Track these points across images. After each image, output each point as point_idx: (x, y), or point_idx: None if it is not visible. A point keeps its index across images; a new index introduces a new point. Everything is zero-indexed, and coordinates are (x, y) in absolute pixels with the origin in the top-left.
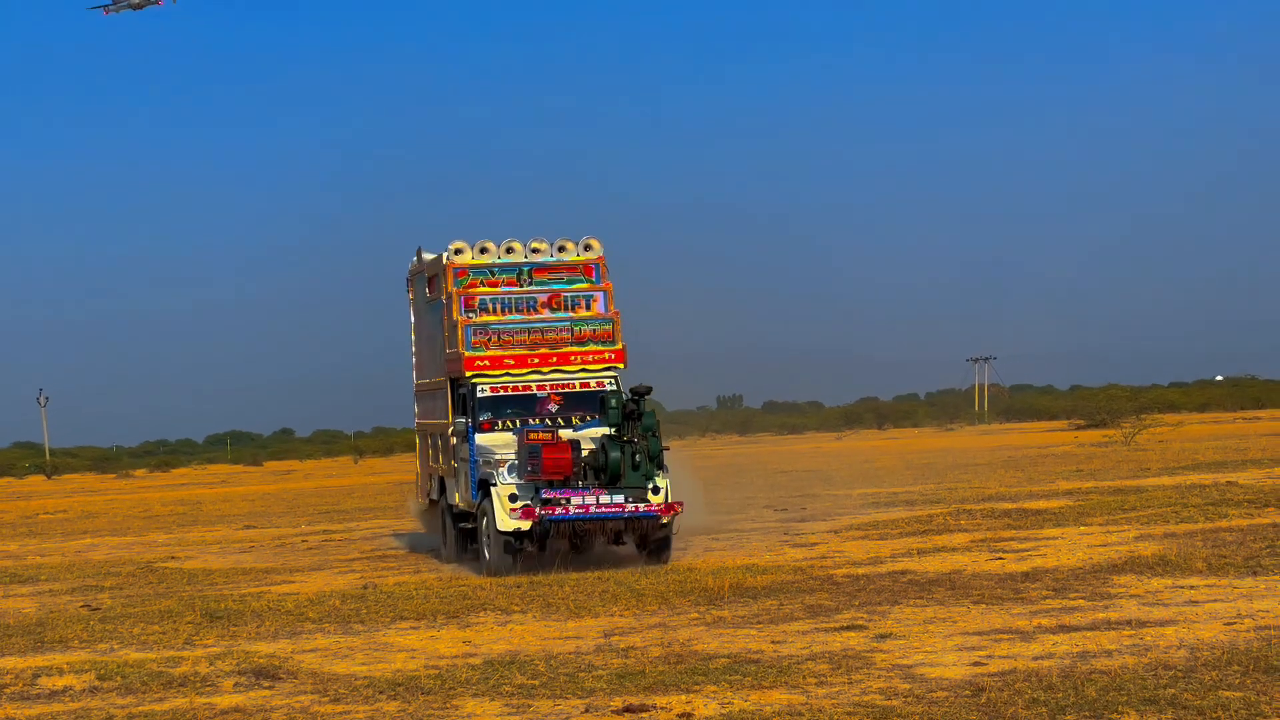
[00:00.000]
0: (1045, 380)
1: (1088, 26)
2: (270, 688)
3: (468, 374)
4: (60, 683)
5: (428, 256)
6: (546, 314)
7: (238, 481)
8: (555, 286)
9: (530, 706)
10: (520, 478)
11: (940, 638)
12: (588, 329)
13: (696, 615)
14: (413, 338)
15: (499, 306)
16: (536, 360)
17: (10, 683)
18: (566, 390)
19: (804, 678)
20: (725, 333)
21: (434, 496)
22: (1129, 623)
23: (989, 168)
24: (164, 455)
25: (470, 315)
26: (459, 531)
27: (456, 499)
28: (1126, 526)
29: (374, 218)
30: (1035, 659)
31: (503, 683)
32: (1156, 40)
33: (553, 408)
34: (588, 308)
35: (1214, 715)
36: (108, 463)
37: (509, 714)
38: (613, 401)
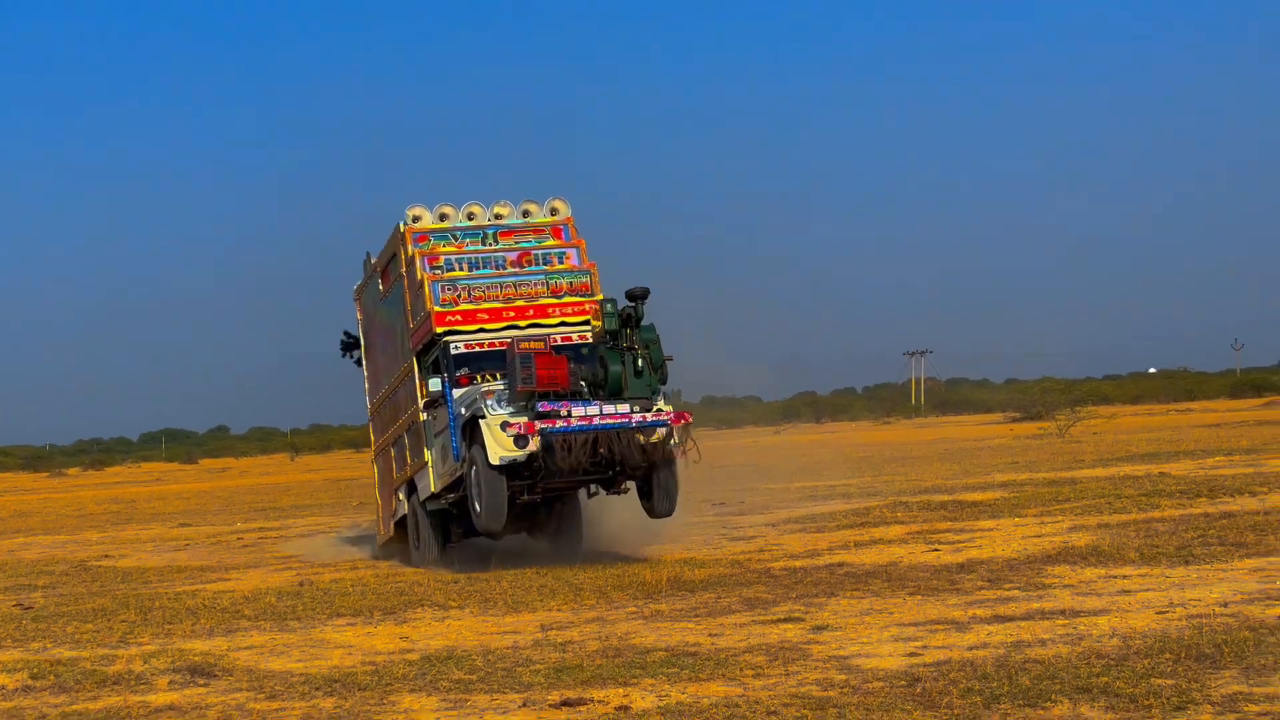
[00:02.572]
0: (981, 374)
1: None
2: (205, 685)
3: (439, 330)
4: None
5: (374, 257)
6: (517, 270)
7: (173, 479)
8: (524, 245)
9: (468, 702)
10: (512, 391)
11: (876, 629)
12: (564, 281)
13: (634, 609)
14: (364, 363)
15: (466, 265)
16: (512, 314)
17: None
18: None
19: (741, 669)
20: (662, 327)
21: (398, 517)
22: (1063, 612)
23: (924, 161)
24: (98, 453)
25: (436, 272)
26: (435, 523)
27: (431, 484)
28: (1060, 518)
29: (310, 214)
30: (970, 649)
31: (440, 678)
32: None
33: None
34: (561, 262)
35: (1146, 702)
36: (40, 461)
37: (446, 709)
38: (608, 306)
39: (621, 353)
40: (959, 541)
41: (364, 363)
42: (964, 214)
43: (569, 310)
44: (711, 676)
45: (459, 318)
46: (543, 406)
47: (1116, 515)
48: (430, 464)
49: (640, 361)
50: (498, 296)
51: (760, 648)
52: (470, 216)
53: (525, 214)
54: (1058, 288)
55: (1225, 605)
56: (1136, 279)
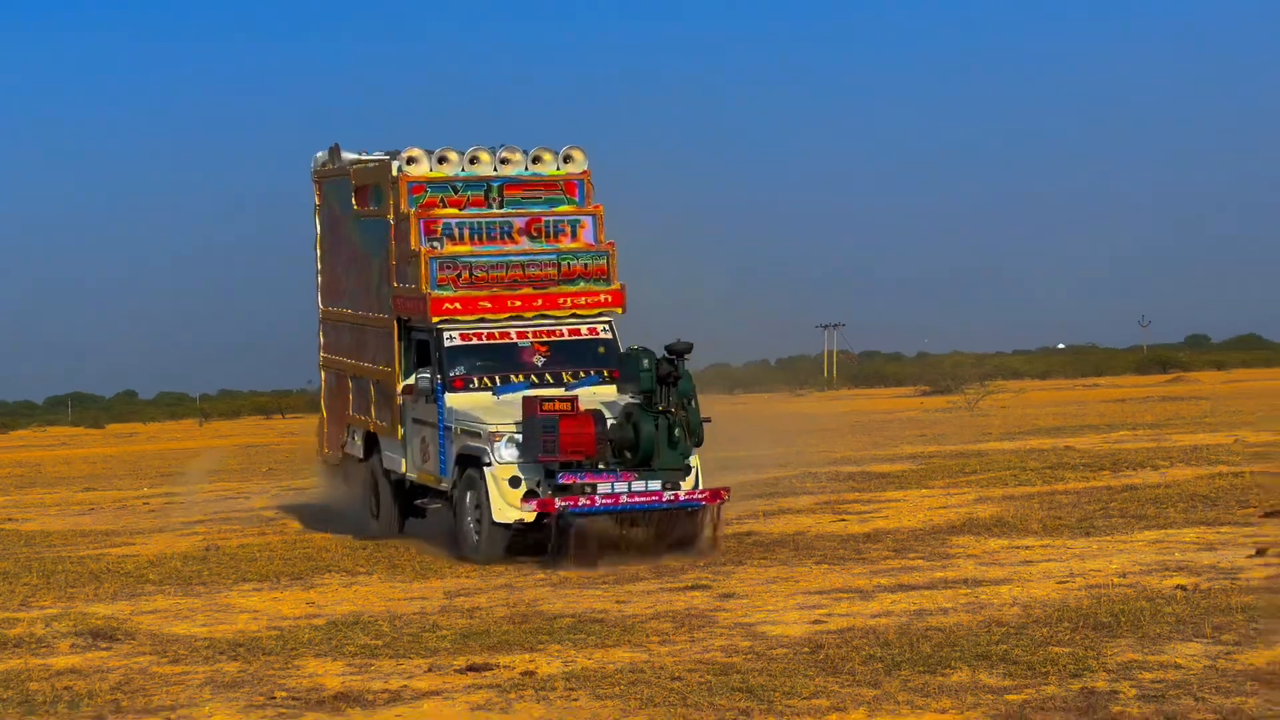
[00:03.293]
0: (893, 347)
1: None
2: (108, 649)
3: (435, 319)
4: None
5: (349, 156)
6: (526, 243)
7: (78, 444)
8: (534, 208)
9: (373, 666)
10: (526, 457)
11: (782, 597)
12: (578, 264)
13: (543, 576)
14: (319, 252)
15: (469, 234)
16: (518, 303)
17: None
18: (553, 339)
19: (647, 636)
20: None
21: (353, 452)
22: (965, 582)
23: (838, 131)
24: (2, 417)
25: (434, 245)
26: (402, 504)
27: (403, 467)
28: (966, 489)
29: (224, 156)
30: (873, 617)
31: (346, 643)
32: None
33: (538, 360)
34: (574, 236)
35: (1043, 670)
36: None
37: (351, 674)
38: (644, 362)
39: (655, 415)
40: (866, 512)
41: (318, 250)
42: (878, 190)
43: (581, 300)
44: (617, 643)
45: (457, 305)
46: (564, 478)
47: (1021, 488)
48: (404, 443)
49: (676, 430)
50: (502, 280)
51: (667, 615)
52: (473, 162)
53: (536, 161)
54: (969, 265)
55: (1124, 576)
56: (1046, 256)
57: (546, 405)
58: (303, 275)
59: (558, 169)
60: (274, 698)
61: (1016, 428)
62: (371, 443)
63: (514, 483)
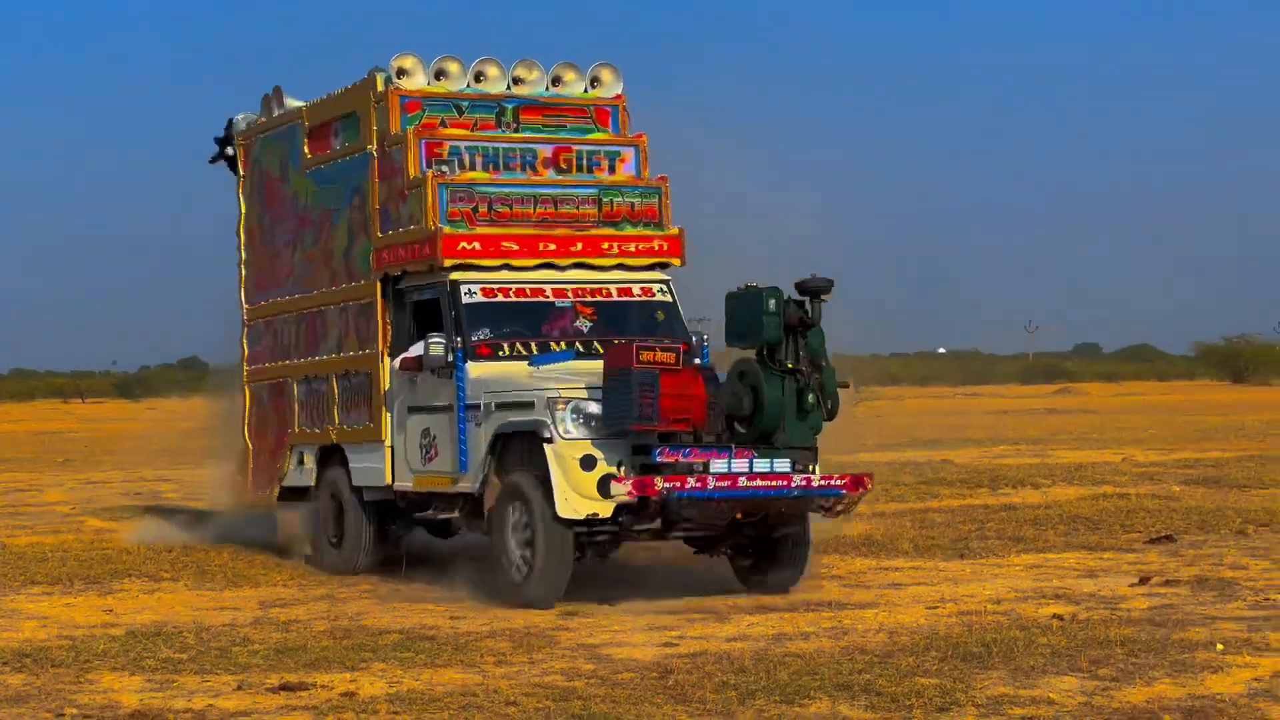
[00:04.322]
0: None
1: None
2: None
3: (447, 263)
4: None
5: (293, 102)
6: (553, 175)
7: None
8: (561, 134)
9: (175, 682)
10: (610, 425)
11: (631, 616)
12: (623, 202)
13: (368, 588)
14: (242, 239)
15: (481, 161)
16: (553, 246)
17: None
18: (599, 299)
19: (481, 655)
20: None
21: (298, 482)
22: (829, 605)
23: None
24: None
25: (442, 171)
26: (372, 516)
27: (387, 477)
28: None
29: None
30: (729, 640)
31: (146, 655)
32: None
33: (583, 325)
34: (612, 170)
35: (908, 702)
36: None
37: (151, 690)
38: (770, 303)
39: (783, 375)
40: None
41: (241, 237)
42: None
43: (631, 246)
44: (449, 663)
45: (477, 245)
46: (665, 455)
47: (893, 504)
48: (388, 445)
49: (810, 396)
50: (530, 216)
51: (504, 633)
52: (479, 78)
53: (556, 82)
54: (844, 262)
55: (998, 602)
56: (929, 255)
57: (646, 354)
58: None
59: (585, 92)
60: (63, 715)
61: (893, 438)
62: (328, 460)
63: (587, 463)
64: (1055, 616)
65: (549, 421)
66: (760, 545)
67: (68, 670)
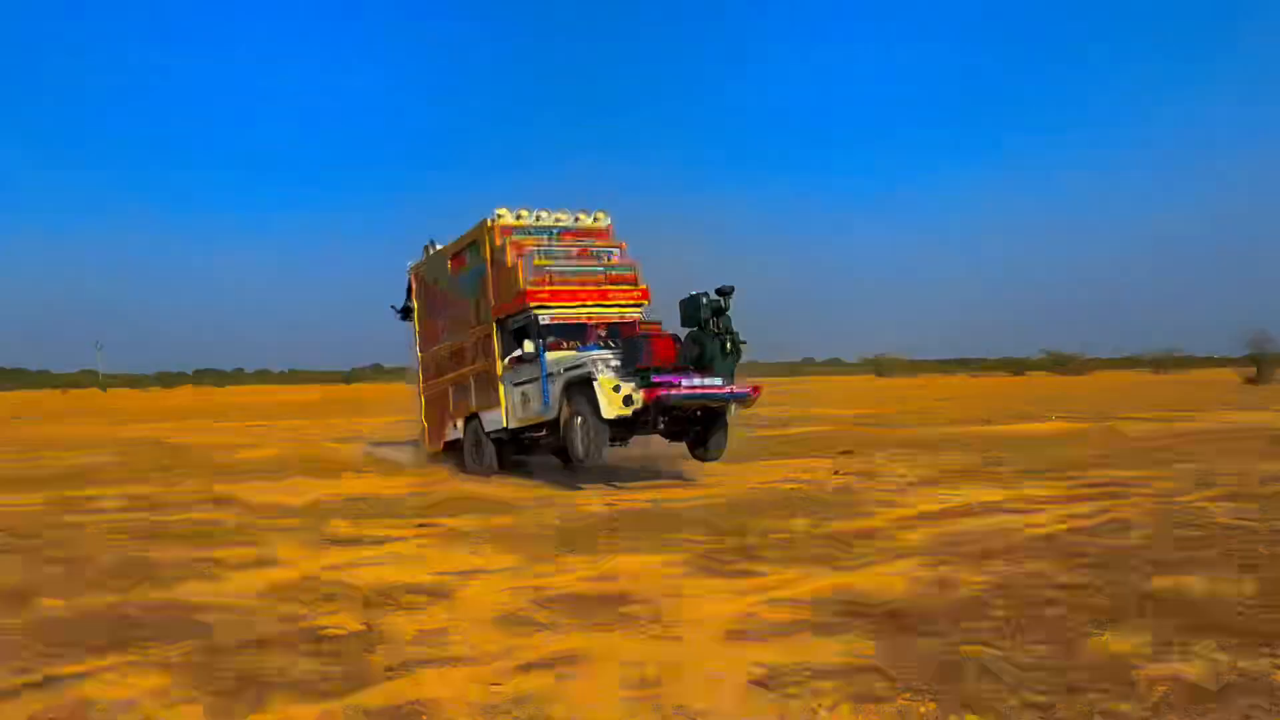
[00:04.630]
0: None
1: None
2: (224, 509)
3: (531, 305)
4: (104, 504)
5: (439, 246)
6: (581, 263)
7: None
8: (583, 243)
9: (366, 523)
10: (630, 367)
11: (595, 491)
12: (616, 273)
13: (480, 480)
14: (416, 323)
15: (544, 255)
16: (583, 295)
17: (72, 501)
18: (607, 322)
19: (520, 510)
20: None
21: (450, 438)
22: (700, 486)
23: None
24: None
25: (524, 259)
26: (499, 449)
27: (504, 422)
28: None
29: None
30: (647, 502)
31: (351, 510)
32: None
33: (601, 334)
34: (609, 259)
35: (722, 529)
36: None
37: (353, 528)
38: (703, 299)
39: (710, 337)
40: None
41: (416, 322)
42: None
43: (620, 295)
44: (505, 512)
45: (546, 295)
46: (657, 379)
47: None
48: (504, 405)
49: (728, 345)
50: (571, 281)
51: (534, 500)
52: (538, 219)
53: (577, 220)
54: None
55: (773, 483)
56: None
57: (648, 327)
58: None
59: (593, 222)
60: (318, 537)
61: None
62: (470, 421)
63: (615, 389)
64: (795, 490)
65: (594, 371)
66: (703, 433)
67: (315, 519)
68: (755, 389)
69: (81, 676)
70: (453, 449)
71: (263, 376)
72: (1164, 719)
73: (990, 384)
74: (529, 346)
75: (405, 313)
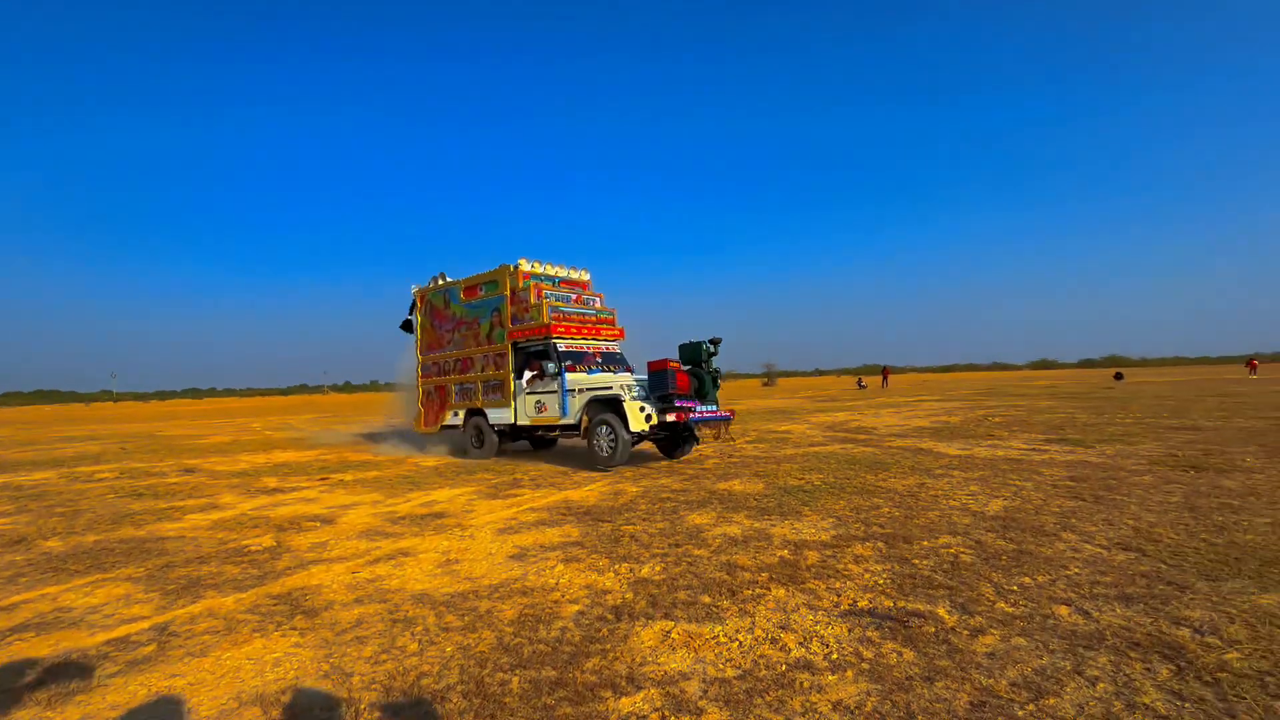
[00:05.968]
0: None
1: None
2: (189, 474)
3: (553, 336)
4: (101, 475)
5: (449, 278)
6: (578, 306)
7: None
8: (577, 291)
9: (394, 497)
10: (657, 394)
11: (596, 484)
12: (602, 315)
13: (478, 461)
14: (418, 335)
15: (555, 299)
16: (583, 331)
17: (79, 474)
18: (599, 352)
19: (520, 488)
20: None
21: (453, 423)
22: (665, 475)
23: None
24: None
25: (546, 300)
26: (501, 438)
27: (513, 418)
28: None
29: None
30: (636, 490)
31: (372, 470)
32: None
33: (598, 359)
34: (595, 304)
35: (688, 471)
36: None
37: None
38: (705, 346)
39: (705, 373)
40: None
41: (416, 333)
42: None
43: (604, 333)
44: (502, 480)
45: (562, 329)
46: (679, 403)
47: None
48: (514, 408)
49: (717, 380)
50: (574, 319)
51: (530, 480)
52: (545, 270)
53: (570, 273)
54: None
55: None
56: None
57: (670, 364)
58: None
59: (579, 276)
60: (251, 490)
61: None
62: (472, 414)
63: (640, 409)
64: (708, 443)
65: (622, 395)
66: (675, 440)
67: (251, 478)
68: (732, 413)
69: (65, 591)
70: (447, 431)
71: (229, 391)
72: (721, 555)
73: None
74: (550, 366)
75: (407, 325)
